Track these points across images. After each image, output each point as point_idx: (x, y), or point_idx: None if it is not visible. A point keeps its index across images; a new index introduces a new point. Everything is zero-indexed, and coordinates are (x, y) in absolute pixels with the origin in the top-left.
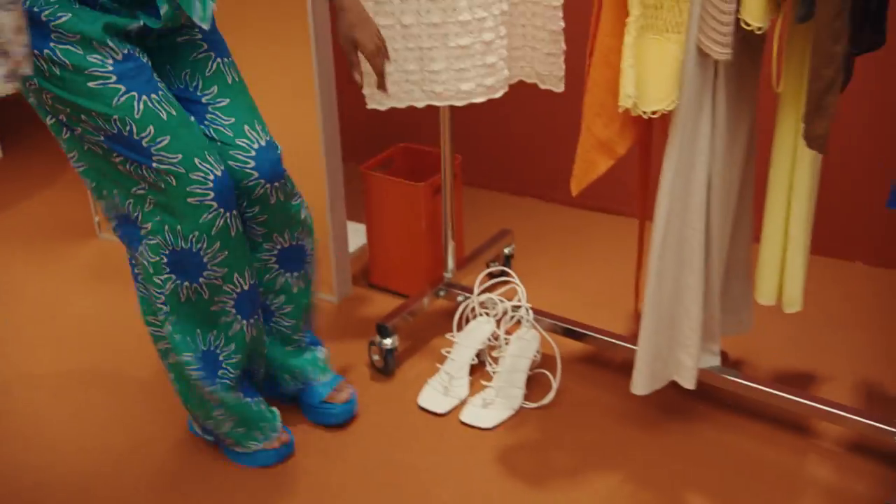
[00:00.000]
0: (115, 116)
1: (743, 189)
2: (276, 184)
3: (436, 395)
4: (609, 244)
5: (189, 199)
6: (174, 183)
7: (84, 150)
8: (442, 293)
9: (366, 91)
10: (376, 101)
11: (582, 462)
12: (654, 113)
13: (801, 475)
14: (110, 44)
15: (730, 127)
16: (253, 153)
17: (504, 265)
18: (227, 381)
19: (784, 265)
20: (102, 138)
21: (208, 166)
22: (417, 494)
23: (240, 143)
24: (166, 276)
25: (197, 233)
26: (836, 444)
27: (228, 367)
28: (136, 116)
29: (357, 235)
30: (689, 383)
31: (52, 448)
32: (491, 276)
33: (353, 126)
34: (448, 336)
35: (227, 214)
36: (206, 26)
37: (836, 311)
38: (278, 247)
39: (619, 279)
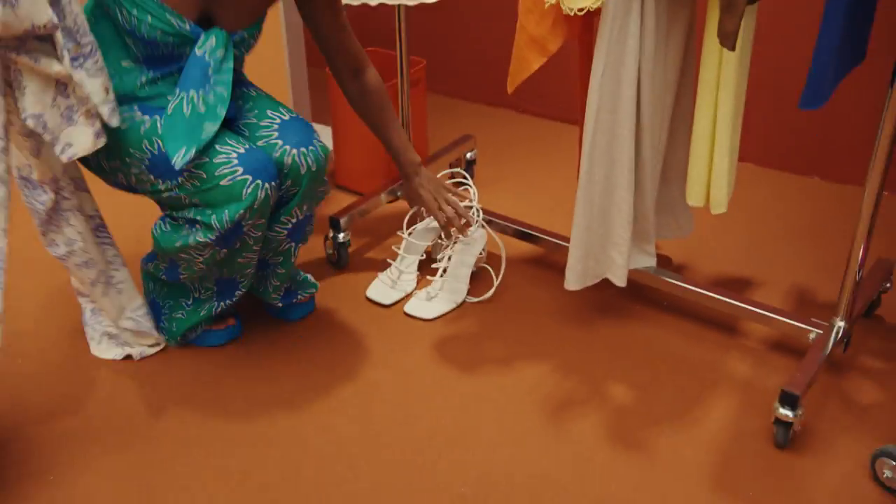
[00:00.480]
0: (145, 141)
1: (681, 91)
2: (303, 149)
3: (384, 288)
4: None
5: (222, 182)
6: (205, 175)
7: (151, 196)
8: (399, 193)
9: None
10: None
11: (514, 353)
12: (580, 10)
13: (720, 369)
14: (140, 95)
15: (661, 28)
16: (276, 126)
17: (465, 170)
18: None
19: (711, 167)
20: (147, 170)
21: (229, 147)
22: (350, 375)
23: (263, 124)
24: (211, 249)
25: (241, 211)
26: (759, 342)
27: (237, 297)
28: (160, 132)
29: (324, 138)
30: (619, 281)
31: (29, 315)
32: (453, 177)
33: None
34: (399, 233)
35: (267, 185)
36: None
37: (787, 223)
38: (294, 220)
39: None
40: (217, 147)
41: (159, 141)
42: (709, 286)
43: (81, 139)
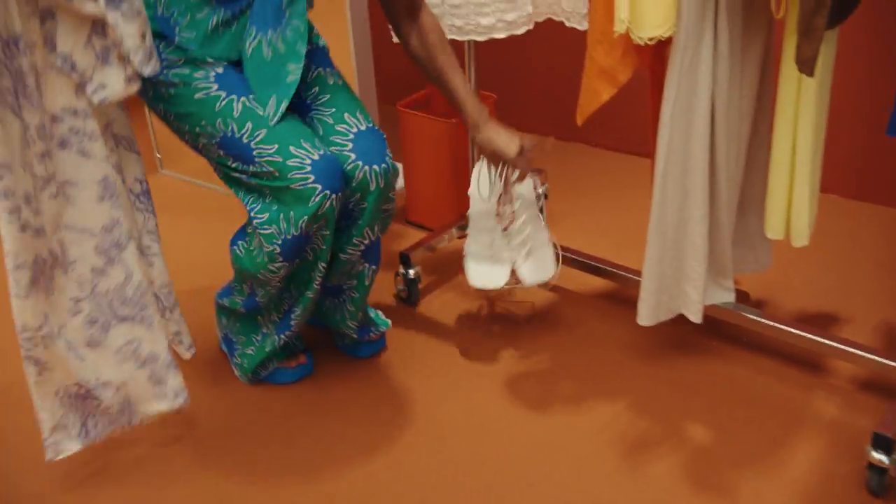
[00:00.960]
0: (219, 120)
1: (758, 118)
2: (375, 167)
3: (484, 268)
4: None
5: (292, 186)
6: (277, 174)
7: (213, 163)
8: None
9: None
10: None
11: (586, 391)
12: (650, 39)
13: (805, 409)
14: (210, 60)
15: (735, 54)
16: (351, 136)
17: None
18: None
19: (791, 198)
20: (216, 145)
21: (304, 152)
22: (420, 413)
23: (339, 129)
24: (280, 263)
25: (306, 217)
26: (847, 381)
27: (294, 326)
28: (235, 116)
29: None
30: (695, 317)
31: None
32: None
33: (390, 67)
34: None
35: (334, 196)
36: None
37: (874, 257)
38: (366, 241)
39: None
40: (292, 149)
41: (234, 124)
42: (791, 322)
43: (114, 82)
